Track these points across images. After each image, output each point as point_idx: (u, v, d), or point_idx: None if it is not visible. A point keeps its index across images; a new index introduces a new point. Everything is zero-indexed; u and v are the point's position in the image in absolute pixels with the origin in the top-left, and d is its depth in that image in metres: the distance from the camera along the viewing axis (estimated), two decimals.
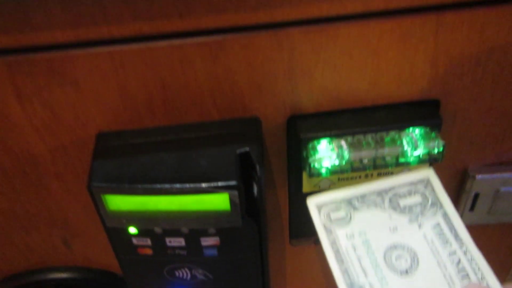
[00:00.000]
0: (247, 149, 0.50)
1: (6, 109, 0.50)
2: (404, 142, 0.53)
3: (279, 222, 0.67)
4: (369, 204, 0.51)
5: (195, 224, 0.52)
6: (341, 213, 0.51)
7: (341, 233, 0.49)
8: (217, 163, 0.49)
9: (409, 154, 0.54)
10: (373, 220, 0.50)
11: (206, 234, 0.52)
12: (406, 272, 0.46)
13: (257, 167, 0.50)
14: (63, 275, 0.68)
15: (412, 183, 0.52)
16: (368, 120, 0.54)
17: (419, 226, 0.49)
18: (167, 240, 0.53)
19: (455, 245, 0.47)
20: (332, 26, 0.48)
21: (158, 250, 0.54)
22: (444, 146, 0.53)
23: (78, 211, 0.61)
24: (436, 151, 0.54)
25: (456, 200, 0.67)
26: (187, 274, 0.57)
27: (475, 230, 0.70)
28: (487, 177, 0.63)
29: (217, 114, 0.54)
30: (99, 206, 0.50)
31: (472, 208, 0.67)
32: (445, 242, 0.48)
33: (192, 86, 0.51)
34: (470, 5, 0.48)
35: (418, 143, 0.53)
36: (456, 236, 0.48)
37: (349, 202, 0.51)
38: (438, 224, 0.49)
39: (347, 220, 0.50)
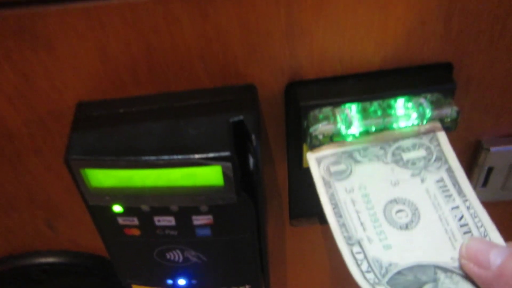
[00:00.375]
0: (241, 117, 0.45)
1: None
2: (414, 110, 0.48)
3: (278, 201, 0.61)
4: (371, 158, 0.47)
5: (186, 201, 0.46)
6: (341, 166, 0.47)
7: (340, 187, 0.46)
8: (208, 133, 0.44)
9: (420, 123, 0.48)
10: (374, 173, 0.47)
11: (198, 212, 0.47)
12: (406, 226, 0.43)
13: (252, 136, 0.44)
14: (48, 259, 0.63)
15: (418, 137, 0.48)
16: (375, 85, 0.49)
17: (422, 180, 0.46)
18: (156, 219, 0.48)
19: (458, 200, 0.44)
20: None
21: (146, 230, 0.49)
22: (458, 113, 0.48)
23: (61, 190, 0.56)
24: (449, 119, 0.48)
25: (468, 175, 0.61)
26: (179, 256, 0.52)
27: (487, 207, 0.65)
28: (502, 150, 0.58)
29: (208, 81, 0.48)
30: (78, 182, 0.45)
31: (485, 183, 0.62)
32: (448, 197, 0.45)
33: (179, 48, 0.45)
34: None
35: (430, 110, 0.48)
36: (460, 191, 0.45)
37: (350, 154, 0.48)
38: (441, 179, 0.46)
39: (347, 173, 0.47)
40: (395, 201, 0.45)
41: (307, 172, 0.56)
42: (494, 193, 0.63)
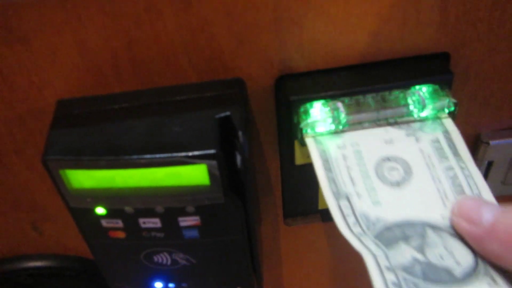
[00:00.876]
0: (227, 113, 0.42)
1: None
2: (410, 102, 0.45)
3: (271, 200, 0.58)
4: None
5: (171, 202, 0.44)
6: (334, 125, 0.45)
7: (332, 143, 0.44)
8: (193, 130, 0.41)
9: (415, 116, 0.45)
10: (368, 132, 0.45)
11: (184, 213, 0.44)
12: (398, 184, 0.42)
13: (239, 133, 0.41)
14: (36, 263, 0.61)
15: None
16: (368, 77, 0.46)
17: (417, 140, 0.44)
18: (141, 221, 0.45)
19: (452, 161, 0.43)
20: None
21: (131, 233, 0.47)
22: (456, 105, 0.45)
23: (45, 192, 0.53)
24: (446, 111, 0.45)
25: None
26: (167, 259, 0.50)
27: None
28: (502, 143, 0.55)
29: (194, 76, 0.45)
30: (58, 184, 0.42)
31: (484, 178, 0.58)
32: (443, 157, 0.43)
33: (162, 41, 0.43)
34: None
35: (426, 102, 0.45)
36: (456, 153, 0.43)
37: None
38: (437, 140, 0.44)
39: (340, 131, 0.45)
40: (387, 158, 0.43)
41: (300, 169, 0.53)
42: (494, 188, 0.60)
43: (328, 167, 0.43)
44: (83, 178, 0.42)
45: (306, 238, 0.64)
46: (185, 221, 0.45)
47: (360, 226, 0.39)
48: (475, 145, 0.56)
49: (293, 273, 0.70)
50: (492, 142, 0.55)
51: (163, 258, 0.49)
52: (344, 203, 0.40)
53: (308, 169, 0.53)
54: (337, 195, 0.41)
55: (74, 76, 0.44)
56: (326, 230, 0.62)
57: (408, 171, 0.42)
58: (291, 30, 0.43)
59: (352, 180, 0.42)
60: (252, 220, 0.47)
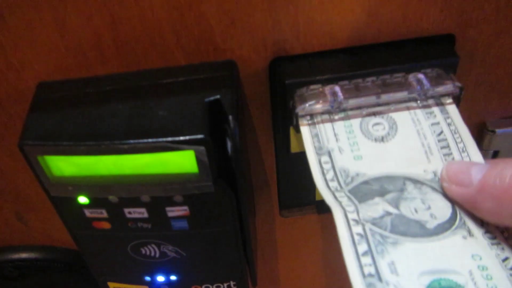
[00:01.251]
0: (217, 96, 0.39)
1: None
2: (412, 87, 0.42)
3: (266, 191, 0.56)
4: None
5: (157, 191, 0.41)
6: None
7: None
8: (180, 114, 0.38)
9: (418, 101, 0.42)
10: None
11: (172, 203, 0.41)
12: (382, 139, 0.41)
13: (230, 117, 0.38)
14: (21, 255, 0.58)
15: None
16: (368, 60, 0.43)
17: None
18: (126, 211, 0.42)
19: (439, 117, 0.42)
20: None
21: (117, 224, 0.44)
22: (461, 90, 0.42)
23: (29, 180, 0.51)
24: (451, 96, 0.42)
25: None
26: (155, 251, 0.47)
27: None
28: (508, 132, 0.52)
29: (182, 57, 0.42)
30: (37, 171, 0.40)
31: None
32: (429, 113, 0.42)
33: (148, 20, 0.40)
34: None
35: (429, 87, 0.42)
36: (443, 110, 0.42)
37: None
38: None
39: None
40: (373, 114, 0.42)
41: (296, 158, 0.50)
42: None
43: (312, 123, 0.42)
44: (64, 165, 0.40)
45: (302, 230, 0.61)
46: (173, 212, 0.42)
47: (338, 181, 0.38)
48: (480, 133, 0.53)
49: (289, 266, 0.67)
50: (498, 131, 0.52)
51: (151, 250, 0.47)
52: (324, 159, 0.39)
53: (304, 157, 0.51)
54: (319, 150, 0.40)
55: (55, 57, 0.41)
56: (322, 222, 0.60)
57: (393, 126, 0.41)
58: (285, 9, 0.40)
59: (336, 135, 0.41)
60: (245, 211, 0.44)
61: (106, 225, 0.44)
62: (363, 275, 0.31)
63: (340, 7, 0.41)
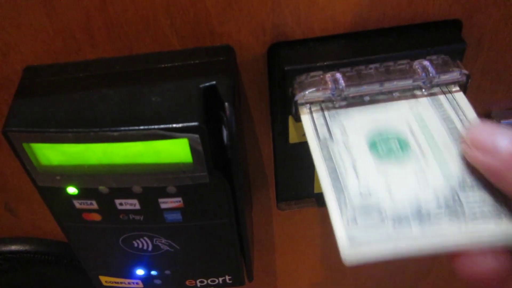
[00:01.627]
0: (213, 82, 0.36)
1: None
2: (417, 74, 0.40)
3: (263, 182, 0.53)
4: None
5: (150, 182, 0.38)
6: None
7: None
8: (173, 101, 0.36)
9: (423, 90, 0.40)
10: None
11: (165, 194, 0.39)
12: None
13: (226, 104, 0.36)
14: (11, 247, 0.56)
15: None
16: (371, 46, 0.41)
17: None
18: (117, 202, 0.40)
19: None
20: None
21: (107, 215, 0.41)
22: (468, 77, 0.39)
23: (17, 170, 0.48)
24: (457, 84, 0.40)
25: None
26: (147, 244, 0.44)
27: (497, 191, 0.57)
28: None
29: (177, 42, 0.40)
30: (23, 159, 0.37)
31: None
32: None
33: (140, 1, 0.37)
34: None
35: (435, 74, 0.39)
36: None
37: None
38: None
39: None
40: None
41: (294, 148, 0.48)
42: None
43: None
44: (51, 154, 0.37)
45: (300, 224, 0.59)
46: (167, 203, 0.40)
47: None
48: None
49: (286, 260, 0.65)
50: (503, 121, 0.49)
51: (144, 243, 0.44)
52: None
53: (303, 148, 0.48)
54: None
55: (42, 39, 0.38)
56: (321, 215, 0.57)
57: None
58: None
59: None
60: (241, 203, 0.41)
61: (97, 217, 0.42)
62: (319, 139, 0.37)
63: None
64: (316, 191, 0.54)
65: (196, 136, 0.34)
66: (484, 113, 0.50)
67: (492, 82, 0.46)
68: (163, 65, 0.39)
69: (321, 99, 0.39)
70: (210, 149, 0.36)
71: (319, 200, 0.56)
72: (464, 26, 0.42)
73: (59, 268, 0.57)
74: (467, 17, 0.41)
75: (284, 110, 0.43)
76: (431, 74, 0.39)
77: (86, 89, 0.37)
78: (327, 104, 0.40)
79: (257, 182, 0.53)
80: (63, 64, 0.39)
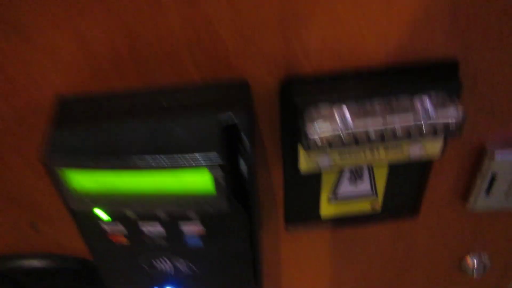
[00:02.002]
0: (234, 119, 0.38)
1: None
2: (417, 110, 0.41)
3: (272, 205, 0.55)
4: None
5: (174, 209, 0.40)
6: None
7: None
8: (197, 134, 0.38)
9: (423, 126, 0.42)
10: None
11: (187, 221, 0.41)
12: None
13: (246, 140, 0.38)
14: (33, 262, 0.57)
15: None
16: (376, 83, 0.43)
17: None
18: (143, 226, 0.42)
19: None
20: None
21: (133, 238, 0.43)
22: (464, 115, 0.41)
23: (45, 190, 0.50)
24: (454, 122, 0.42)
25: (470, 181, 0.55)
26: (168, 265, 0.46)
27: (491, 216, 0.59)
28: (507, 155, 0.51)
29: (197, 74, 0.42)
30: (58, 184, 0.39)
31: (488, 190, 0.55)
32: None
33: (165, 38, 0.39)
34: None
35: (433, 112, 0.41)
36: None
37: None
38: None
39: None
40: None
41: (303, 175, 0.50)
42: (498, 201, 0.56)
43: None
44: (84, 180, 0.39)
45: (307, 245, 0.60)
46: (189, 229, 0.42)
47: None
48: (479, 156, 0.52)
49: (293, 281, 0.66)
50: (497, 155, 0.51)
51: (165, 264, 0.46)
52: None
53: (312, 175, 0.50)
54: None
55: (74, 71, 0.41)
56: (328, 237, 0.59)
57: None
58: (297, 31, 0.40)
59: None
60: (256, 229, 0.43)
61: (123, 239, 0.43)
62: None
63: (350, 30, 0.40)
64: (322, 214, 0.56)
65: (220, 170, 0.36)
66: (479, 146, 0.51)
67: (487, 119, 0.48)
68: (186, 99, 0.41)
69: (329, 130, 0.41)
70: (231, 181, 0.37)
71: (326, 222, 0.57)
72: (460, 66, 0.43)
73: (78, 284, 0.58)
74: (464, 58, 0.43)
75: (295, 139, 0.45)
76: (430, 112, 0.41)
77: (116, 121, 0.39)
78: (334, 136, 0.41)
79: (267, 205, 0.54)
80: (93, 95, 0.41)
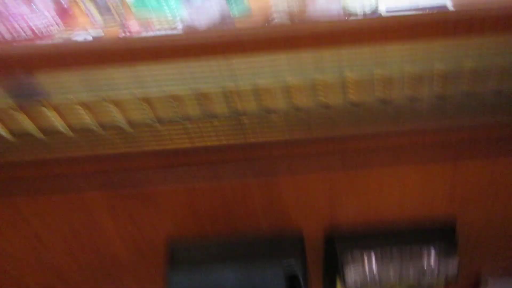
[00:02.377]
0: (295, 269, 0.53)
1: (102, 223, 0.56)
2: (423, 262, 0.56)
3: None
4: None
5: None
6: None
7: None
8: (268, 280, 0.53)
9: (428, 273, 0.56)
10: None
11: None
12: None
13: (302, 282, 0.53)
14: None
15: None
16: (392, 238, 0.57)
17: None
18: None
19: None
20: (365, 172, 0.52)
21: None
22: (459, 268, 0.55)
23: None
24: (451, 272, 0.56)
25: None
26: None
27: None
28: (501, 283, 0.64)
29: (265, 224, 0.57)
30: None
31: None
32: None
33: (249, 208, 0.55)
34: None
35: (435, 262, 0.56)
36: None
37: None
38: None
39: None
40: None
41: None
42: None
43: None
44: None
45: None
46: None
47: None
48: (475, 281, 0.66)
49: None
50: (490, 281, 0.64)
51: None
52: None
53: None
54: None
55: (182, 223, 0.57)
56: None
57: None
58: (341, 199, 0.55)
59: None
60: None
61: None
62: None
63: (375, 205, 0.55)
64: None
65: None
66: (475, 272, 0.65)
67: (481, 255, 0.62)
68: (258, 250, 0.56)
69: (363, 271, 0.56)
70: None
71: None
72: (458, 222, 0.58)
73: None
74: (461, 216, 0.57)
75: (334, 278, 0.59)
76: (432, 265, 0.55)
77: (213, 265, 0.54)
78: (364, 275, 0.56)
79: None
80: (195, 242, 0.57)
